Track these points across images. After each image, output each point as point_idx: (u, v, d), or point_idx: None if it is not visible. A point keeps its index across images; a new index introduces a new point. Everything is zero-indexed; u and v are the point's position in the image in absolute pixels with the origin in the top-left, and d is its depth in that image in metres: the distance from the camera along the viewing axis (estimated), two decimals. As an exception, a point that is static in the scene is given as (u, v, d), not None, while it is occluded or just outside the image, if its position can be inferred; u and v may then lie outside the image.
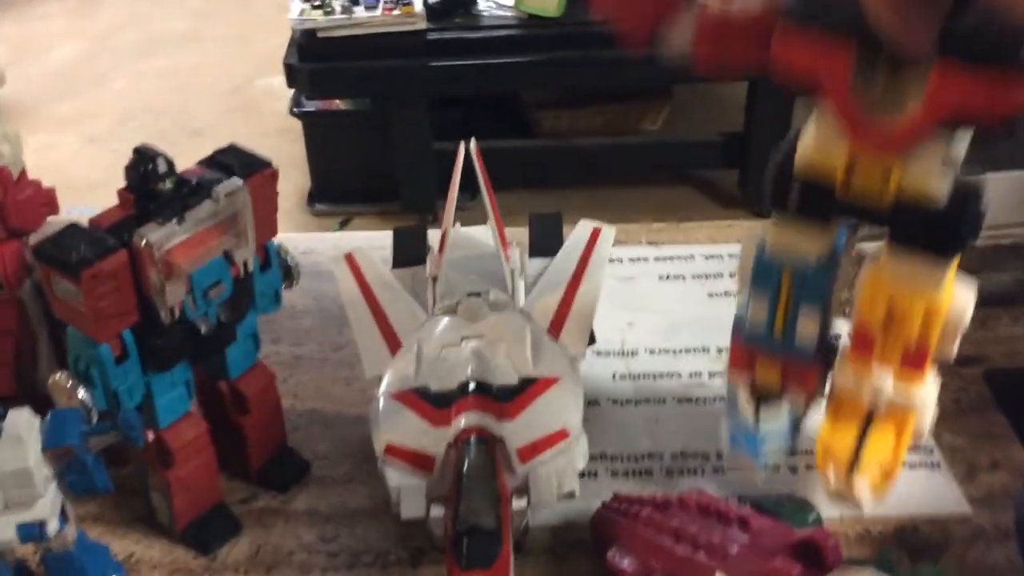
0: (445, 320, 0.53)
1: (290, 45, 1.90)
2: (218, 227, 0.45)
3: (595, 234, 0.59)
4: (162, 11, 2.76)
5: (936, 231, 0.42)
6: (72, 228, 0.43)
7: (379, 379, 0.52)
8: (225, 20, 2.69)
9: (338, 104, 2.07)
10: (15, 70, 2.55)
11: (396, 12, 1.84)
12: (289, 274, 0.52)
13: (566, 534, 0.51)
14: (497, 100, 2.16)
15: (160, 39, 2.65)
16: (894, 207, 0.41)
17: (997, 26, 0.37)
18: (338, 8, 1.85)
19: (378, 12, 1.84)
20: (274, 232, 0.50)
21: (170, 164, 0.45)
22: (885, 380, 0.47)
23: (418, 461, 0.47)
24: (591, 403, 0.58)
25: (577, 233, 0.59)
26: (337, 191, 2.12)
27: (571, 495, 0.48)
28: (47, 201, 0.51)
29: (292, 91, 2.00)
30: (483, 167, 0.56)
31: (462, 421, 0.47)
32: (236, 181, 0.46)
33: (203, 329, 0.46)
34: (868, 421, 0.49)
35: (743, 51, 0.41)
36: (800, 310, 0.47)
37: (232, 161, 0.47)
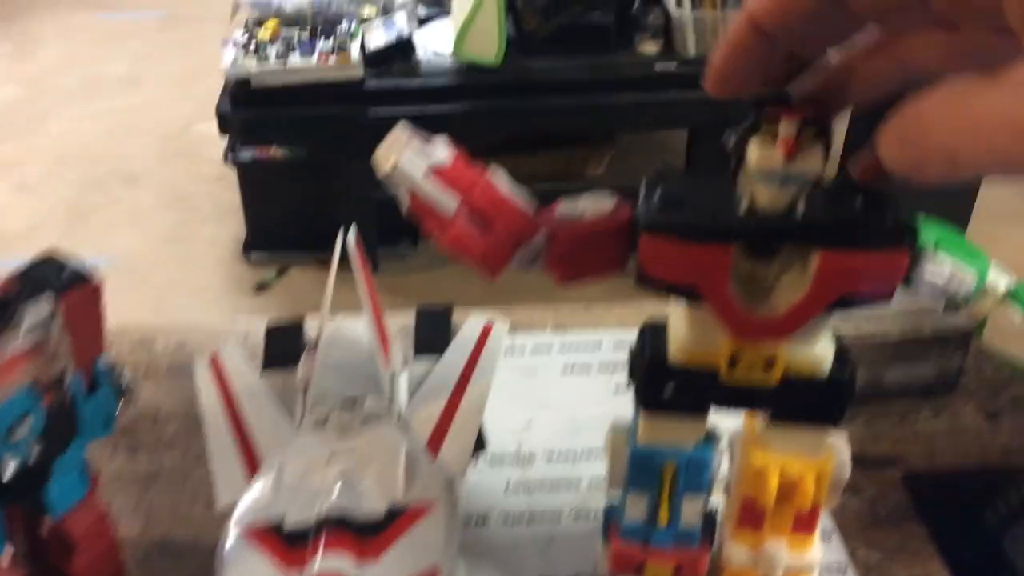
0: (313, 437, 0.48)
1: (223, 93, 1.86)
2: (25, 354, 0.40)
3: (486, 331, 0.55)
4: (101, 54, 2.69)
5: (822, 402, 0.41)
6: None
7: (233, 508, 0.46)
8: (165, 63, 2.63)
9: (275, 152, 2.03)
10: (-55, 114, 2.47)
11: (332, 60, 1.81)
12: (124, 395, 0.46)
13: None
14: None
15: (99, 82, 2.58)
16: (780, 386, 0.40)
17: (878, 211, 0.37)
18: (273, 56, 1.80)
19: (314, 60, 1.81)
20: (101, 349, 0.44)
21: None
22: (779, 549, 0.44)
23: (266, 611, 0.42)
24: (478, 523, 0.53)
25: (465, 331, 0.55)
26: (273, 240, 2.06)
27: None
28: None
29: (225, 139, 1.95)
30: (364, 260, 0.52)
31: (316, 565, 0.42)
32: (45, 306, 0.40)
33: (6, 472, 0.41)
34: None
35: (600, 263, 0.40)
36: (684, 498, 0.44)
37: (48, 275, 0.42)
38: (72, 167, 2.32)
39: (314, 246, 2.04)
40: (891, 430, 0.59)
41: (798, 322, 0.39)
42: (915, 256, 0.39)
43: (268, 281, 2.03)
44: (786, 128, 0.36)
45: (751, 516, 0.45)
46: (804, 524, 0.45)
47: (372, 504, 0.44)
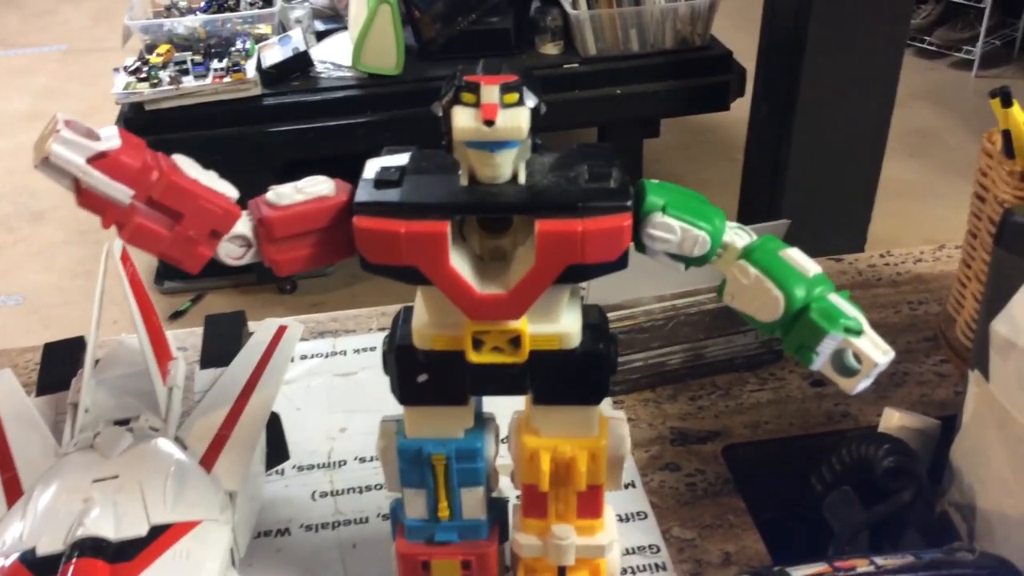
0: (76, 459, 0.46)
1: (117, 120, 1.81)
2: None
3: (279, 333, 0.53)
4: (3, 91, 2.63)
5: (579, 381, 0.40)
6: None
7: (-13, 540, 0.44)
8: (70, 97, 2.57)
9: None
10: None
11: (227, 79, 1.77)
12: None
13: None
14: (351, 161, 2.10)
15: (0, 120, 2.52)
16: (532, 365, 0.39)
17: (599, 178, 0.37)
18: (166, 79, 1.77)
19: (208, 81, 1.77)
20: None
21: None
22: (568, 535, 0.43)
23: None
24: (280, 532, 0.50)
25: (257, 335, 0.53)
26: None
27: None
28: None
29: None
30: (133, 272, 0.49)
31: (63, 593, 0.39)
32: None
33: None
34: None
35: (323, 250, 0.38)
36: (462, 490, 0.42)
37: None
38: (-25, 207, 2.25)
39: (228, 270, 2.00)
40: (715, 404, 0.58)
41: (530, 297, 0.37)
42: (641, 220, 0.37)
43: (184, 309, 1.98)
44: (486, 94, 0.35)
45: (534, 503, 0.43)
46: (588, 507, 0.43)
47: (131, 526, 0.42)
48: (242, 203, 0.39)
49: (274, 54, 1.84)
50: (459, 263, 0.37)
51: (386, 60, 1.81)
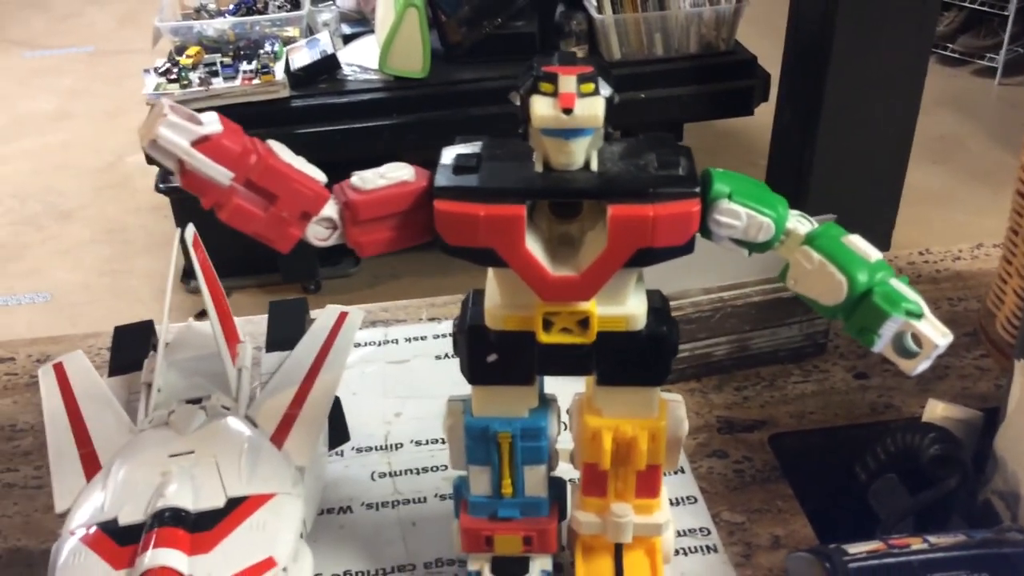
0: (152, 436, 0.48)
1: (148, 120, 1.84)
2: None
3: (340, 319, 0.54)
4: (29, 91, 2.66)
5: (643, 363, 0.41)
6: None
7: (68, 513, 0.45)
8: (96, 97, 2.60)
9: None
10: None
11: (256, 81, 1.80)
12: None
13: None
14: (372, 162, 2.12)
15: (28, 120, 2.55)
16: (598, 346, 0.40)
17: (669, 165, 0.38)
18: (195, 80, 1.79)
19: (237, 83, 1.80)
20: None
21: None
22: (627, 514, 0.44)
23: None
24: (343, 510, 0.52)
25: (320, 321, 0.55)
26: (213, 266, 2.04)
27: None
28: None
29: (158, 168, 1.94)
30: (204, 258, 0.51)
31: (145, 560, 0.41)
32: None
33: None
34: (618, 553, 0.45)
35: (404, 232, 0.40)
36: (525, 468, 0.44)
37: None
38: (4, 206, 2.28)
39: (253, 270, 2.02)
40: (760, 395, 0.60)
41: (600, 279, 0.39)
42: (708, 206, 0.39)
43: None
44: (564, 83, 0.36)
45: (594, 482, 0.44)
46: (647, 486, 0.44)
47: (208, 498, 0.44)
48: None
49: (302, 57, 1.87)
50: (533, 246, 0.39)
51: (412, 63, 1.83)
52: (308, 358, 0.52)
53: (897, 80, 1.62)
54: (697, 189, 0.38)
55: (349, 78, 1.86)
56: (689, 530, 0.51)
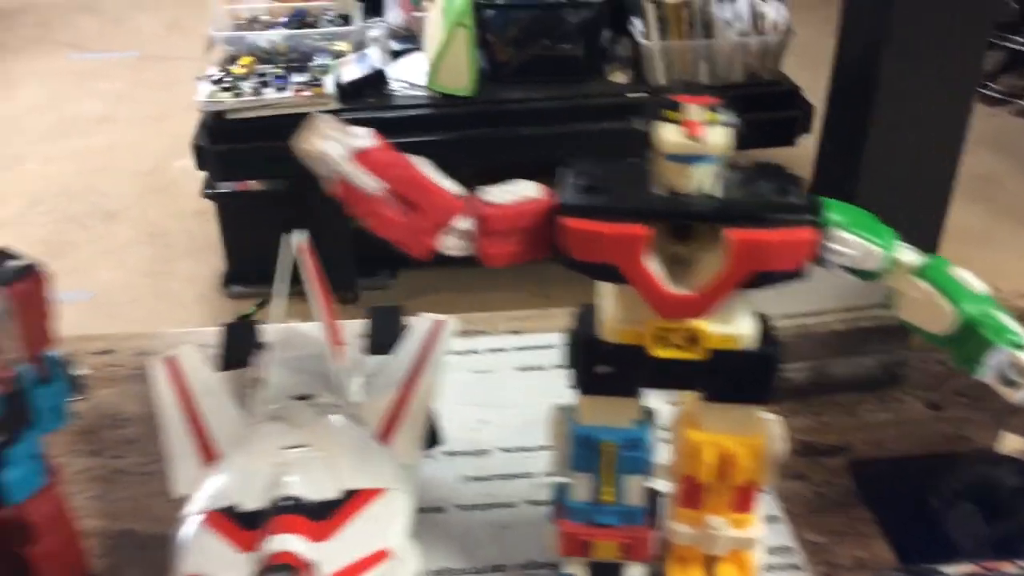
0: (267, 428, 0.50)
1: (199, 127, 1.87)
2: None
3: (436, 327, 0.56)
4: (77, 93, 2.71)
5: (751, 381, 0.43)
6: None
7: (188, 497, 0.47)
8: (142, 102, 2.65)
9: (252, 184, 2.04)
10: (-79, 153, 2.47)
11: (307, 93, 1.83)
12: (75, 386, 0.47)
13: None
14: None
15: (74, 122, 2.60)
16: (708, 363, 0.42)
17: (785, 192, 0.41)
18: (247, 90, 1.83)
19: (288, 93, 1.83)
20: (49, 340, 0.45)
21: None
22: (722, 527, 0.46)
23: (220, 593, 0.43)
24: (436, 510, 0.54)
25: (417, 328, 0.57)
26: (253, 272, 2.06)
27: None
28: None
29: (204, 172, 1.97)
30: (312, 262, 0.53)
31: (270, 545, 0.43)
32: (-7, 292, 0.42)
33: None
34: (710, 565, 0.47)
35: (528, 246, 0.42)
36: (626, 477, 0.46)
37: (-9, 268, 0.43)
38: (49, 204, 2.32)
39: (294, 278, 2.05)
40: (838, 421, 0.61)
41: (715, 298, 0.41)
42: (822, 234, 0.41)
43: (250, 314, 2.03)
44: (692, 112, 0.39)
45: (691, 495, 0.46)
46: (742, 502, 0.46)
47: (324, 489, 0.46)
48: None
49: (351, 71, 1.90)
50: (652, 264, 0.41)
51: (460, 81, 1.86)
52: (408, 363, 0.54)
53: (942, 116, 1.63)
54: (813, 217, 0.40)
55: (396, 93, 1.90)
56: (773, 549, 0.52)
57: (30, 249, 0.41)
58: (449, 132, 1.88)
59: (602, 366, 0.43)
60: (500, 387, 0.62)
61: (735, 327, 0.42)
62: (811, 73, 1.92)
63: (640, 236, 0.40)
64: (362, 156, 0.41)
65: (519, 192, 0.42)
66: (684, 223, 0.42)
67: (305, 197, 1.95)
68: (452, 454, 0.57)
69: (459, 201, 0.42)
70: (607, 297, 0.43)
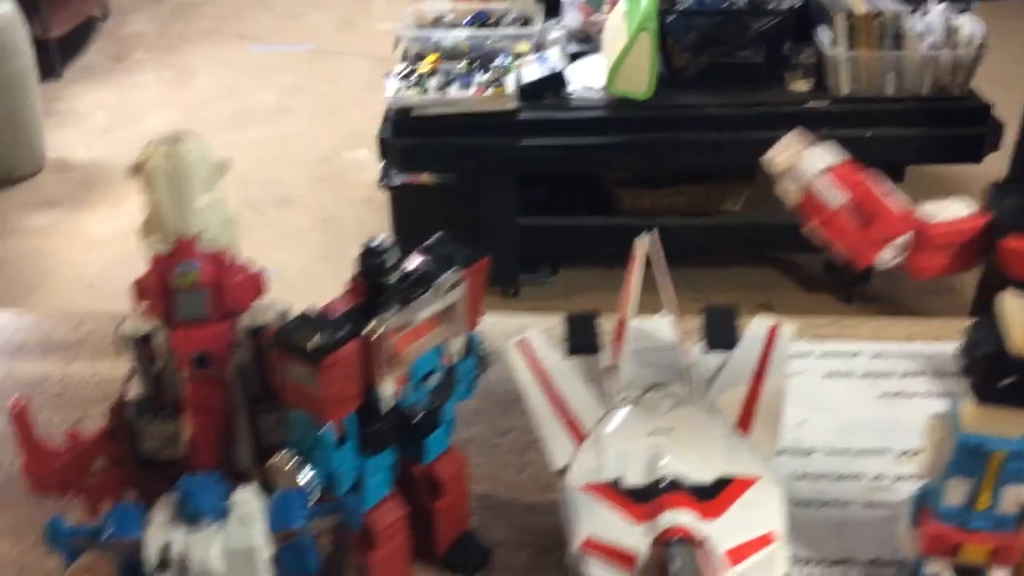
0: (629, 412, 0.54)
1: (384, 121, 1.96)
2: (436, 318, 0.46)
3: (773, 330, 0.59)
4: (254, 84, 2.87)
5: None
6: (306, 317, 0.44)
7: (566, 469, 0.52)
8: (314, 95, 2.78)
9: (424, 178, 2.12)
10: (112, 136, 2.67)
11: (489, 93, 1.89)
12: (484, 362, 0.52)
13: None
14: (579, 177, 2.19)
15: (251, 111, 2.75)
16: None
17: None
18: (432, 88, 1.90)
19: (471, 92, 1.90)
20: (477, 321, 0.51)
21: (397, 259, 0.46)
22: None
23: (618, 557, 0.47)
24: (773, 503, 0.56)
25: (754, 329, 0.59)
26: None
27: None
28: (256, 285, 0.53)
29: (381, 164, 2.05)
30: (660, 260, 0.57)
31: (664, 519, 0.46)
32: (455, 274, 0.47)
33: (415, 416, 0.47)
34: None
35: (957, 261, 0.45)
36: (1008, 486, 0.47)
37: (449, 251, 0.48)
38: (228, 190, 2.47)
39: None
40: None
41: None
42: None
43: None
44: None
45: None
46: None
47: (700, 472, 0.49)
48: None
49: (531, 72, 1.95)
50: None
51: (638, 85, 1.89)
52: (750, 361, 0.57)
53: None
54: None
55: (574, 95, 1.94)
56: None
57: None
58: (624, 135, 1.91)
59: (1008, 378, 0.45)
60: (808, 391, 0.65)
61: None
62: (1004, 90, 1.86)
63: None
64: (832, 171, 0.44)
65: (956, 210, 0.44)
66: None
67: (473, 191, 2.02)
68: (779, 452, 0.60)
69: (908, 218, 0.45)
70: (1017, 312, 0.45)
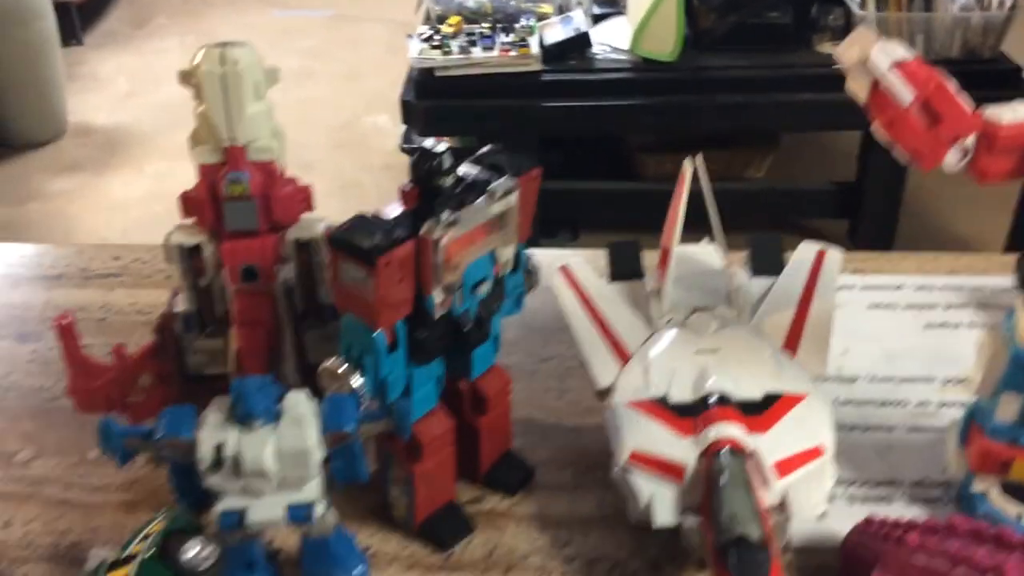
0: (675, 333, 0.53)
1: (407, 83, 1.95)
2: (489, 224, 0.46)
3: (820, 255, 0.59)
4: (275, 49, 2.85)
5: None
6: (362, 218, 0.44)
7: (611, 389, 0.52)
8: (335, 60, 2.78)
9: (446, 141, 2.12)
10: (134, 100, 2.67)
11: (513, 54, 1.88)
12: (531, 278, 0.52)
13: (808, 557, 0.49)
14: (600, 141, 2.18)
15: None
16: None
17: None
18: (456, 49, 1.89)
19: (495, 53, 1.88)
20: (528, 233, 0.50)
21: (452, 161, 0.46)
22: None
23: (666, 469, 0.47)
24: (815, 426, 0.56)
25: (800, 254, 0.59)
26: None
27: (820, 515, 0.47)
28: (304, 198, 0.53)
29: (403, 128, 2.05)
30: (708, 183, 0.56)
31: (712, 432, 0.46)
32: (509, 181, 0.47)
33: (465, 325, 0.47)
34: None
35: (1022, 163, 0.43)
36: None
37: (502, 161, 0.48)
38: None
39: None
40: None
41: None
42: None
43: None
44: None
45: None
46: None
47: (748, 389, 0.49)
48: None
49: (555, 33, 1.94)
50: None
51: (664, 46, 1.87)
52: (797, 285, 0.57)
53: None
54: None
55: (598, 57, 1.92)
56: None
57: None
58: (650, 97, 1.89)
59: None
60: (850, 321, 0.64)
61: None
62: (1036, 52, 1.83)
63: None
64: (903, 67, 0.43)
65: (1014, 115, 0.44)
66: None
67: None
68: (823, 379, 0.60)
69: (978, 118, 0.44)
70: None
